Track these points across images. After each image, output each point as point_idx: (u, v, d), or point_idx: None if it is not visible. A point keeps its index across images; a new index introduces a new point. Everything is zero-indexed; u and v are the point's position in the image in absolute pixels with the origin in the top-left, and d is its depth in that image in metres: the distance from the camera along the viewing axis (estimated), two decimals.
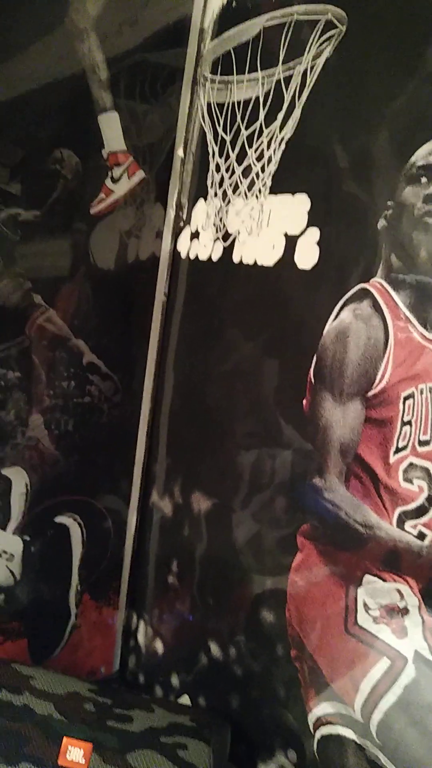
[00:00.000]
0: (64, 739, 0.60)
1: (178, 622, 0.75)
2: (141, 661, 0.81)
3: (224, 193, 0.71)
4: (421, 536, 0.52)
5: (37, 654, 0.79)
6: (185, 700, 0.73)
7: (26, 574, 0.76)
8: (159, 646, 0.78)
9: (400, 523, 0.53)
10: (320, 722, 0.58)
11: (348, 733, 0.56)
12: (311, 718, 0.59)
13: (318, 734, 0.58)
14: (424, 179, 0.53)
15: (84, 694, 0.65)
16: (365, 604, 0.55)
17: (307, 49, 0.62)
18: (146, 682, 0.80)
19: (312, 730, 0.59)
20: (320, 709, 0.58)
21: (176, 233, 0.78)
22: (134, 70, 0.73)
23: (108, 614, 0.82)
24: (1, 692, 0.63)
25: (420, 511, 0.53)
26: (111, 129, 0.72)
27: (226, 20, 0.70)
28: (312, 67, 0.62)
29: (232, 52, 0.69)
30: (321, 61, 0.61)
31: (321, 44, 0.61)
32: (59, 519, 0.78)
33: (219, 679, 0.69)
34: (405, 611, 0.53)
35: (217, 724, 0.65)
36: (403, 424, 0.54)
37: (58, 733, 0.60)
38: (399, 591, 0.53)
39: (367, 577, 0.55)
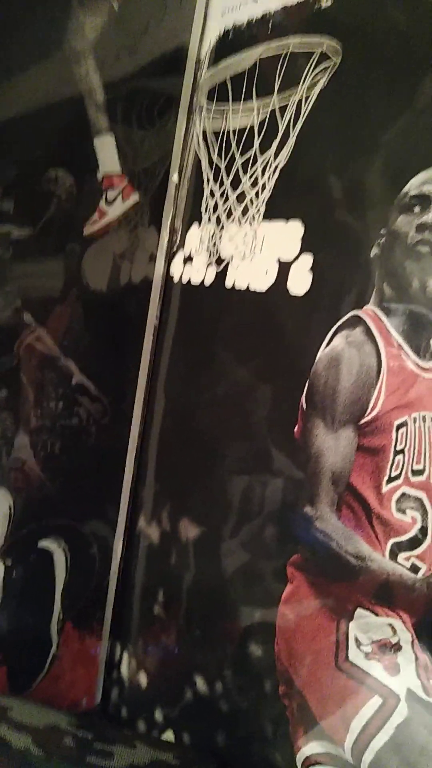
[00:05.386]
0: None
1: (163, 655, 0.73)
2: (124, 694, 0.78)
3: (218, 219, 0.71)
4: (415, 569, 0.51)
5: (16, 684, 0.76)
6: (169, 736, 0.71)
7: (7, 600, 0.74)
8: (143, 679, 0.76)
9: (393, 555, 0.52)
10: (309, 762, 0.56)
11: None
12: (299, 758, 0.57)
13: None
14: (417, 208, 0.54)
15: (64, 728, 0.63)
16: (356, 639, 0.53)
17: (302, 80, 0.63)
18: (129, 716, 0.77)
19: None
20: (309, 748, 0.56)
21: (169, 257, 0.78)
22: (131, 95, 0.74)
23: (91, 644, 0.79)
24: None
25: (413, 543, 0.52)
26: (106, 151, 0.72)
27: (223, 50, 0.71)
28: (307, 98, 0.63)
29: (228, 81, 0.70)
30: (316, 91, 0.62)
31: (316, 75, 0.62)
32: (43, 544, 0.76)
33: (205, 715, 0.67)
34: (398, 647, 0.51)
35: (201, 762, 0.63)
36: (396, 453, 0.53)
37: None
38: (392, 626, 0.52)
39: (359, 611, 0.54)
